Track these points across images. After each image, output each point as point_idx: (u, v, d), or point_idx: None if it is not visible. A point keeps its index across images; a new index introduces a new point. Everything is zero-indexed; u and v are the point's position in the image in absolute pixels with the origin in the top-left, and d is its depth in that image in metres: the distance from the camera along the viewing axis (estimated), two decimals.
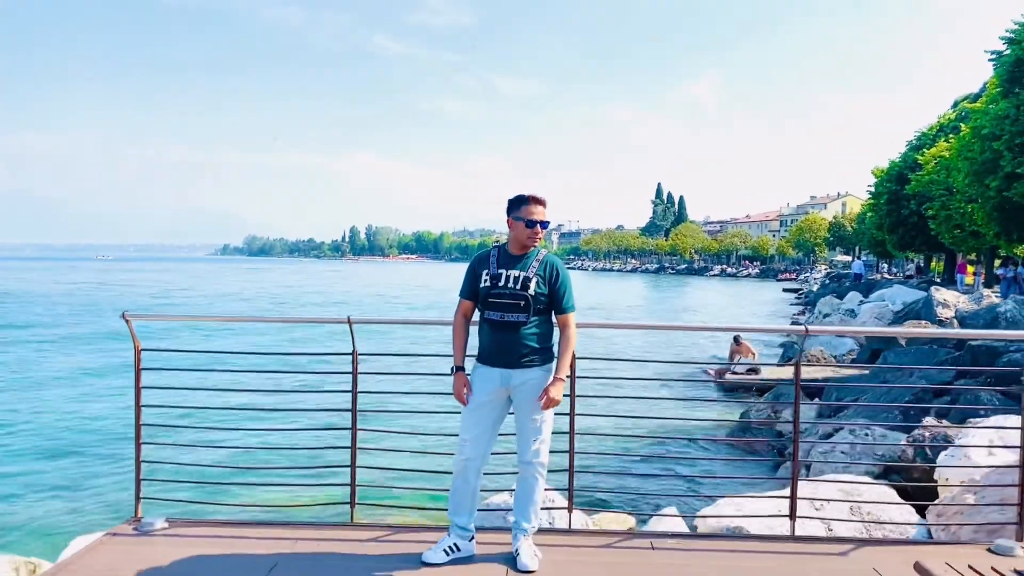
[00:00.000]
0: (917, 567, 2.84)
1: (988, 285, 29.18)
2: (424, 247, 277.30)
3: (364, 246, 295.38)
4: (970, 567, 2.76)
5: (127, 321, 4.13)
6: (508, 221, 3.60)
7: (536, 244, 3.61)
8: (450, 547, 3.63)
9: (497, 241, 3.82)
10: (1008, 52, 21.43)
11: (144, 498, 4.21)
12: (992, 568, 2.74)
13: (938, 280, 36.74)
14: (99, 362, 19.54)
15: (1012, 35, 21.36)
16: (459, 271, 6.82)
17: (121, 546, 3.81)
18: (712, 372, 16.03)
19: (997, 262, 31.75)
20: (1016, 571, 2.75)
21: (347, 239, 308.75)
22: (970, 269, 33.61)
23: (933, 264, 48.71)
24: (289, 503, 5.69)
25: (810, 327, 4.24)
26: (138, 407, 4.22)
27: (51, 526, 7.32)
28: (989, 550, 3.77)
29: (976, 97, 32.07)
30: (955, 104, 40.14)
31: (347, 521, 4.21)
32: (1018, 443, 4.05)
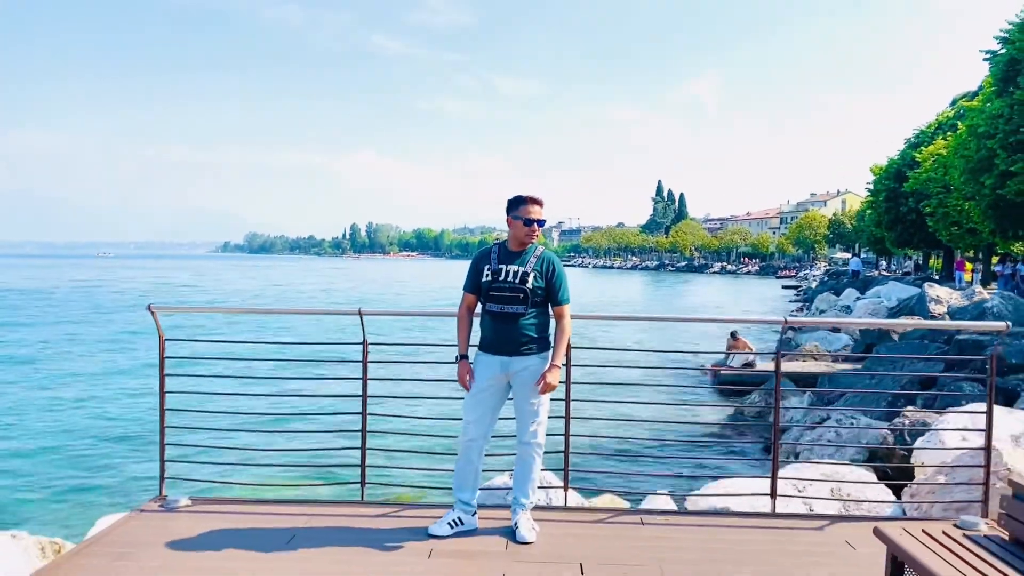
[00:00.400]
0: (876, 531, 3.12)
1: (985, 282, 29.39)
2: (425, 244, 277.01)
3: (365, 243, 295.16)
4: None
5: (152, 313, 4.42)
6: (507, 220, 3.90)
7: (533, 241, 3.91)
8: (454, 520, 3.92)
9: (497, 239, 4.11)
10: (1002, 51, 21.65)
11: (168, 478, 4.49)
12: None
13: (936, 277, 36.95)
14: (117, 354, 19.85)
15: (1006, 35, 21.58)
16: (459, 268, 7.10)
17: (147, 521, 4.11)
18: (709, 366, 16.32)
19: (995, 259, 31.96)
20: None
21: (348, 236, 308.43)
22: (968, 266, 33.75)
23: (932, 261, 48.92)
24: (304, 483, 5.99)
25: (790, 318, 4.53)
26: (162, 394, 4.50)
27: (77, 509, 7.63)
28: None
29: (974, 95, 32.24)
30: (953, 102, 40.25)
31: (358, 499, 4.50)
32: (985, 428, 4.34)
